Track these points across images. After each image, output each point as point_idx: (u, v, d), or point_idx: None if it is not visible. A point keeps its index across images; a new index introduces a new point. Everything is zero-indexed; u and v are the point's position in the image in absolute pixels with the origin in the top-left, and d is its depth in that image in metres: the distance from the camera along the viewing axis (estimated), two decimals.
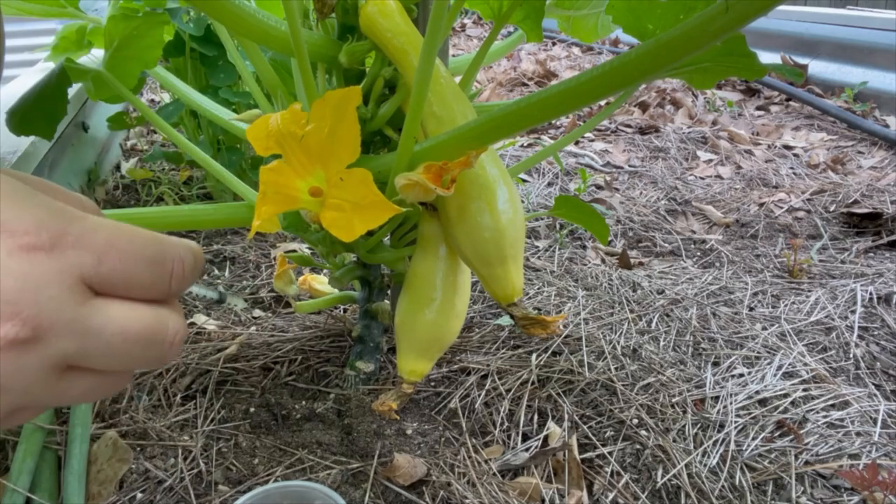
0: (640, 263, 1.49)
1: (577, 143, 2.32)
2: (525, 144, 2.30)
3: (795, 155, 2.26)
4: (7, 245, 0.25)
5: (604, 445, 0.89)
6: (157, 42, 0.92)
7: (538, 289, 1.29)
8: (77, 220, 0.28)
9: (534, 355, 1.05)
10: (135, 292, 0.30)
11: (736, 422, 0.93)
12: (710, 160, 2.19)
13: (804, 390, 1.00)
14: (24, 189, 0.27)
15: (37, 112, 0.91)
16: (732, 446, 0.89)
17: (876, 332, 1.19)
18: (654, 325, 1.18)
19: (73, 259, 0.27)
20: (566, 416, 0.93)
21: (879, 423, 0.94)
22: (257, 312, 1.23)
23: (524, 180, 1.95)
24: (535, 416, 0.95)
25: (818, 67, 3.07)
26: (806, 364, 1.07)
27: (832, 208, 1.79)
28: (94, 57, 0.98)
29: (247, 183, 0.92)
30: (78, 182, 1.72)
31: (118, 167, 2.02)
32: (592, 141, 2.38)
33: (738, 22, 0.47)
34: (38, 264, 0.25)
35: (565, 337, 1.12)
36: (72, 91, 0.96)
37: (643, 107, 2.78)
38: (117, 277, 0.29)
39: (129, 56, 0.92)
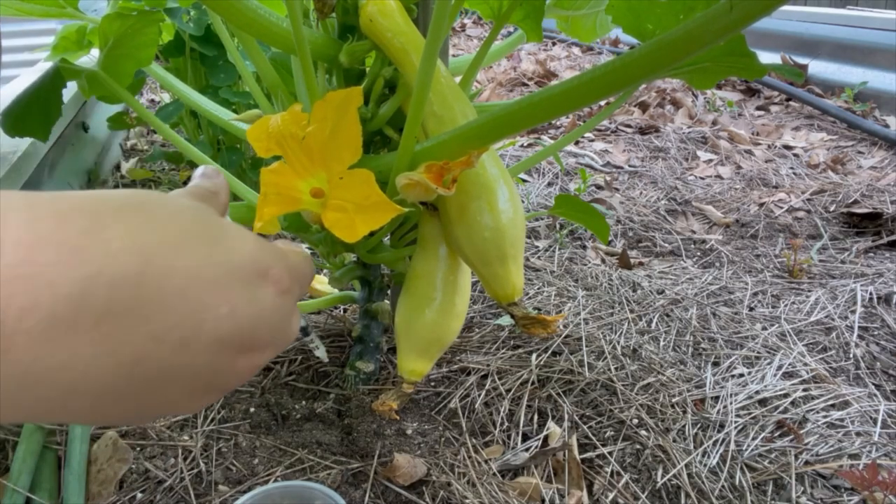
0: (640, 263, 1.49)
1: (577, 143, 2.32)
2: (525, 144, 2.30)
3: (795, 155, 2.26)
4: (273, 291, 0.35)
5: (604, 445, 0.89)
6: (151, 41, 0.91)
7: (538, 289, 1.29)
8: (284, 256, 0.38)
9: (534, 355, 1.05)
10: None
11: (736, 422, 0.93)
12: (710, 160, 2.19)
13: (804, 390, 1.00)
14: (250, 235, 0.36)
15: (32, 113, 0.91)
16: (732, 446, 0.89)
17: (876, 332, 1.19)
18: (654, 325, 1.18)
19: (297, 292, 0.39)
20: (566, 416, 0.93)
21: (879, 423, 0.94)
22: None
23: (524, 180, 1.95)
24: (535, 416, 0.94)
25: (818, 67, 3.07)
26: (806, 364, 1.07)
27: (832, 208, 1.79)
28: (93, 57, 0.98)
29: (247, 183, 0.92)
30: (78, 182, 1.72)
31: (118, 167, 2.02)
32: (592, 141, 2.38)
33: (742, 21, 0.46)
34: (287, 302, 0.37)
35: (565, 337, 1.12)
36: (71, 91, 0.96)
37: (643, 107, 2.78)
38: (300, 295, 0.41)
39: (124, 55, 0.91)
